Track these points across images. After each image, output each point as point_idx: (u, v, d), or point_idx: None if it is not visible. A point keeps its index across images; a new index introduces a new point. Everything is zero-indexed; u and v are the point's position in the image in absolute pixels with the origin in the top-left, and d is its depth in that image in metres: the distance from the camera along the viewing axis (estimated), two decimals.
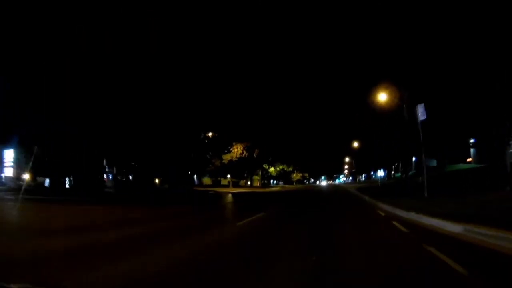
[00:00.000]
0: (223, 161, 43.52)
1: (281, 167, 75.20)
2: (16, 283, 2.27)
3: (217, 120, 38.92)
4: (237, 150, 43.20)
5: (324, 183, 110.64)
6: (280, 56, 74.94)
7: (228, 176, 67.76)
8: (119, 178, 35.56)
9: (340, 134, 76.16)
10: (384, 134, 43.63)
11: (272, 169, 71.50)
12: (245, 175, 66.71)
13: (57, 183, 31.37)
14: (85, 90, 26.55)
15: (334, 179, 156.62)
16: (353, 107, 55.67)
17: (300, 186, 78.99)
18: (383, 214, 10.96)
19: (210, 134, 40.41)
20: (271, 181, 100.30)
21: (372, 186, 32.51)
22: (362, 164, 73.11)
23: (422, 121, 12.67)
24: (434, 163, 55.58)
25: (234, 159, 43.57)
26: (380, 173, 78.19)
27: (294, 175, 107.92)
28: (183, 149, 33.86)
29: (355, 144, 62.84)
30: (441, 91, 35.47)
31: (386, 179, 45.74)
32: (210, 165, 44.70)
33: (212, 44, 38.93)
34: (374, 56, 42.00)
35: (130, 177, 35.32)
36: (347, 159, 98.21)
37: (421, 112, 12.39)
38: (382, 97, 30.70)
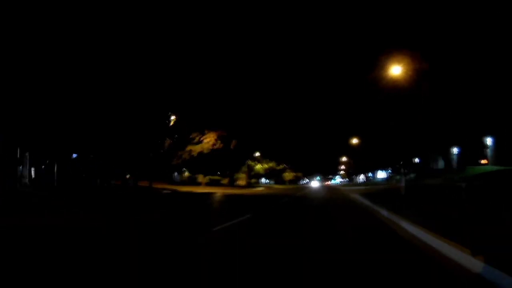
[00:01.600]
0: (192, 154, 35.24)
1: (269, 164, 66.90)
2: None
3: (180, 98, 30.64)
4: (208, 140, 34.95)
5: (316, 184, 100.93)
6: (266, 34, 66.72)
7: (218, 172, 59.36)
8: (43, 172, 27.33)
9: (337, 131, 68.68)
10: (394, 121, 35.74)
11: (259, 166, 63.15)
12: (227, 172, 58.43)
13: None
14: None
15: (329, 180, 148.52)
16: (354, 93, 47.73)
17: (289, 186, 70.95)
18: None
19: (172, 118, 32.23)
20: (263, 180, 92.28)
21: (389, 192, 19.62)
22: (361, 164, 65.12)
23: None
24: (441, 164, 47.86)
25: (205, 151, 35.25)
26: (381, 174, 70.32)
27: (286, 174, 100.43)
28: (129, 134, 25.61)
29: (354, 141, 54.88)
30: (461, 75, 27.78)
31: (400, 182, 37.80)
32: (175, 158, 36.46)
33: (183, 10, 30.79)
34: (379, 26, 33.88)
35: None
36: (344, 159, 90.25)
37: None
38: (395, 70, 22.68)
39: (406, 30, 28.24)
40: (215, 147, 35.10)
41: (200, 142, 35.42)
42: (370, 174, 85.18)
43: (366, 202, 14.08)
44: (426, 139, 32.92)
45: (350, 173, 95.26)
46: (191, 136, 35.36)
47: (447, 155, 43.51)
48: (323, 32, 57.04)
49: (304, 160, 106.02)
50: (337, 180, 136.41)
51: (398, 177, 48.73)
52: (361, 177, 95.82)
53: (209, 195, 24.36)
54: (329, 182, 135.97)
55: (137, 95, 25.03)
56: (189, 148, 35.23)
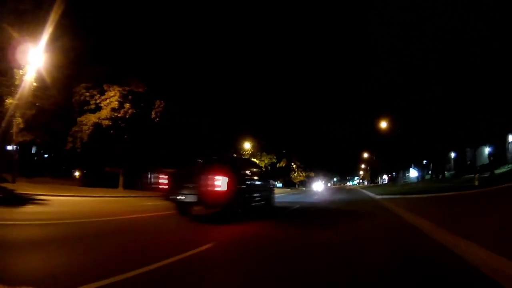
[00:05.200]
0: (86, 129, 18.96)
1: (266, 160, 49.80)
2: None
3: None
4: (109, 101, 18.62)
5: (319, 186, 71.87)
6: None
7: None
8: None
9: (357, 119, 52.95)
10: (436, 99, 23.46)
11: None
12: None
13: None
14: None
15: (347, 181, 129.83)
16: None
17: (282, 192, 54.10)
18: None
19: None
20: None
21: None
22: (389, 159, 47.78)
23: None
24: (484, 157, 34.47)
25: (104, 123, 18.84)
26: (414, 173, 52.08)
27: (296, 174, 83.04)
28: None
29: (383, 125, 36.48)
30: None
31: (452, 183, 21.17)
32: (71, 138, 20.29)
33: None
34: None
35: None
36: (365, 155, 72.24)
37: None
38: None
39: None
40: (118, 114, 18.67)
41: (99, 107, 19.12)
42: (394, 174, 66.72)
43: None
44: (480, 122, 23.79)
45: (373, 173, 76.84)
46: (82, 98, 19.11)
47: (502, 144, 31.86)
48: None
49: (317, 157, 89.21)
50: (355, 181, 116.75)
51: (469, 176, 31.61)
52: (385, 178, 78.25)
53: None
54: (350, 184, 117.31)
55: None
56: (81, 118, 18.97)
